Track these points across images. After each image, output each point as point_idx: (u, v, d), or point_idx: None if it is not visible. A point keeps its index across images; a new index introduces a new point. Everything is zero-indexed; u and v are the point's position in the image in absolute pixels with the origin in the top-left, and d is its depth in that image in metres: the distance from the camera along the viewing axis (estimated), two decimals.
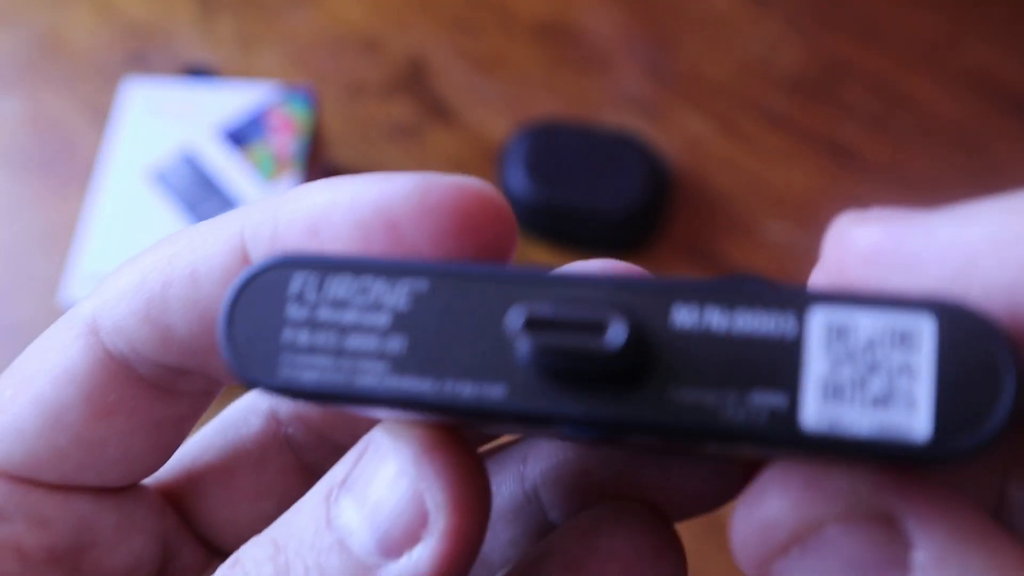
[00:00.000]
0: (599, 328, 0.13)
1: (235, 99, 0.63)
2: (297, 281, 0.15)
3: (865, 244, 0.14)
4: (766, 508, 0.14)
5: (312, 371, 0.15)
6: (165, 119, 0.62)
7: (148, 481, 0.22)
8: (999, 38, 0.74)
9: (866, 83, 0.73)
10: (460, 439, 0.17)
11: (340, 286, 0.15)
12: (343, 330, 0.15)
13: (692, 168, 0.69)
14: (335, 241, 0.17)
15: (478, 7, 0.76)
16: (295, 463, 0.22)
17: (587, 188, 0.64)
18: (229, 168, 0.61)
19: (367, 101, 0.72)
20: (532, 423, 0.15)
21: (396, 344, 0.15)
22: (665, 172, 0.66)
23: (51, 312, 0.60)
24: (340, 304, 0.15)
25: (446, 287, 0.15)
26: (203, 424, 0.23)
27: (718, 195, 0.68)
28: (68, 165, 0.68)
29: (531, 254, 0.65)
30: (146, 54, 0.74)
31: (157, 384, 0.20)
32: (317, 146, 0.64)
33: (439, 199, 0.16)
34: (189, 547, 0.22)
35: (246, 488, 0.22)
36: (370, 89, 0.72)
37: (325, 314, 0.15)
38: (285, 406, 0.23)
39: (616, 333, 0.13)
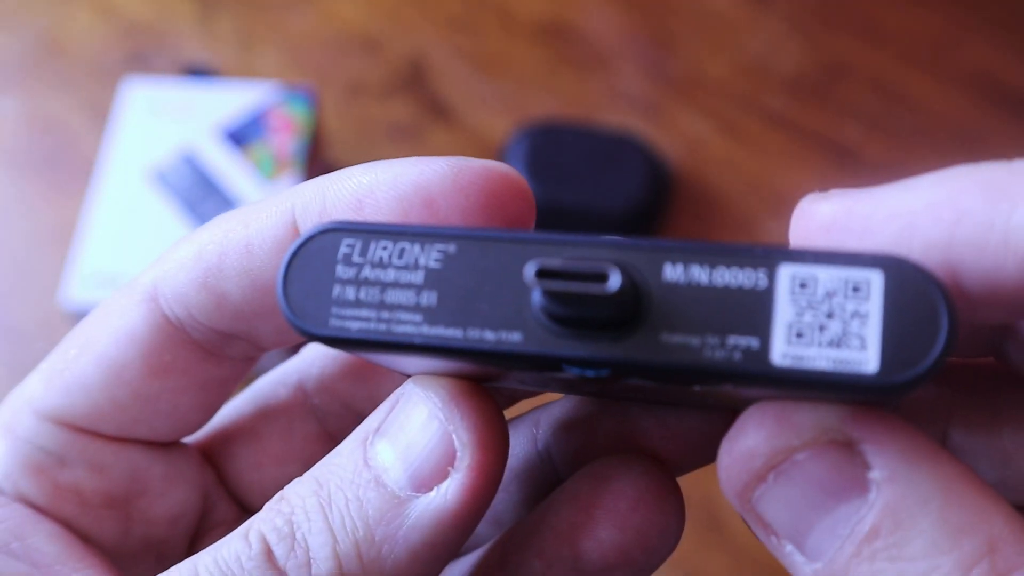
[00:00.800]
0: (601, 277, 0.15)
1: (235, 99, 0.63)
2: (345, 245, 0.18)
3: (824, 216, 0.17)
4: (744, 441, 0.17)
5: (357, 322, 0.17)
6: (165, 119, 0.62)
7: (190, 440, 0.25)
8: (999, 38, 0.74)
9: (866, 83, 0.73)
10: (483, 390, 0.19)
11: (381, 249, 0.17)
12: (384, 287, 0.17)
13: (692, 168, 0.69)
14: (377, 214, 0.19)
15: (478, 7, 0.76)
16: (319, 431, 0.24)
17: (587, 188, 0.64)
18: (229, 168, 0.61)
19: (367, 101, 0.72)
20: (544, 365, 0.17)
21: (429, 298, 0.17)
22: (665, 172, 0.66)
23: (51, 312, 0.60)
24: (381, 264, 0.17)
25: (471, 249, 0.17)
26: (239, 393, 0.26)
27: (718, 195, 0.68)
28: (68, 165, 0.68)
29: None
30: (146, 54, 0.74)
31: (207, 348, 0.22)
32: (317, 146, 0.64)
33: (470, 179, 0.18)
34: (225, 502, 0.25)
35: (274, 452, 0.25)
36: (370, 89, 0.72)
37: (368, 273, 0.17)
38: (313, 378, 0.25)
39: (614, 281, 0.15)
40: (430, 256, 0.17)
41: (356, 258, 0.17)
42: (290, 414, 0.25)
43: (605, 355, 0.16)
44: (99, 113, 0.68)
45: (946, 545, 0.15)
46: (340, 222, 0.18)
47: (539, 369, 0.17)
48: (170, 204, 0.60)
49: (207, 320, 0.21)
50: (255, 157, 0.61)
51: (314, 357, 0.26)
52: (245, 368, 0.23)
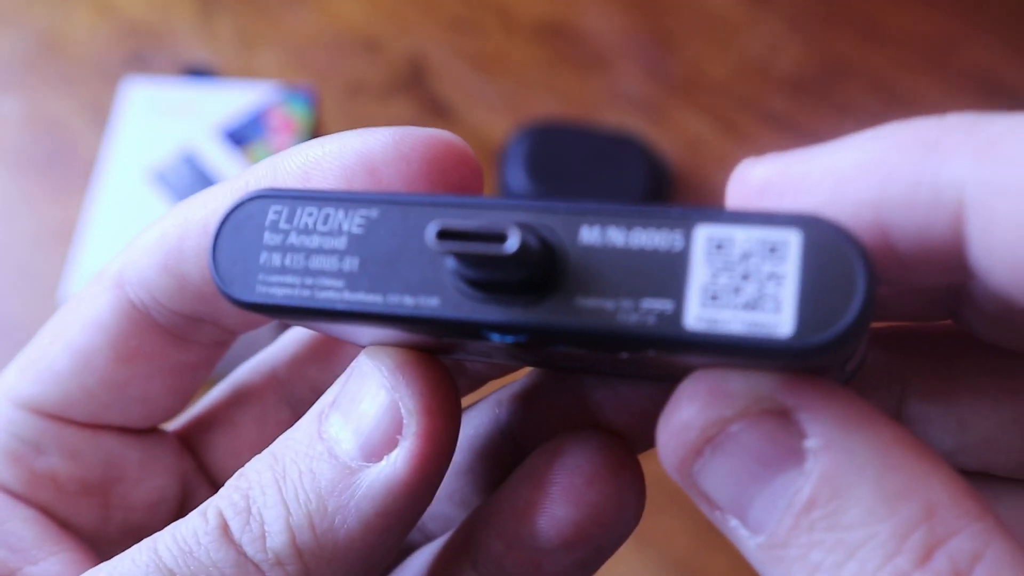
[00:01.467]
0: (499, 237, 0.15)
1: (235, 99, 0.63)
2: (272, 212, 0.18)
3: (758, 178, 0.17)
4: (679, 414, 0.16)
5: (283, 288, 0.17)
6: (165, 119, 0.63)
7: (170, 428, 0.25)
8: (999, 38, 0.74)
9: (866, 83, 0.73)
10: (433, 359, 0.19)
11: (307, 215, 0.17)
12: (309, 253, 0.17)
13: (692, 168, 0.69)
14: (323, 184, 0.19)
15: (478, 7, 0.76)
16: (292, 417, 0.24)
17: (587, 188, 0.64)
18: (229, 168, 0.61)
19: (367, 101, 0.72)
20: (463, 331, 0.17)
21: (351, 264, 0.17)
22: (665, 172, 0.66)
23: (52, 311, 0.59)
24: (307, 231, 0.17)
25: (392, 213, 0.17)
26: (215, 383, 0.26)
27: (718, 195, 0.68)
28: (68, 165, 0.68)
29: None
30: (146, 54, 0.74)
31: (174, 332, 0.22)
32: None
33: (411, 146, 0.19)
34: (205, 489, 0.25)
35: (249, 439, 0.25)
36: (370, 89, 0.72)
37: (295, 239, 0.17)
38: (284, 364, 0.25)
39: (512, 241, 0.15)
40: (353, 222, 0.17)
41: (283, 225, 0.17)
42: (264, 401, 0.25)
43: (520, 319, 0.16)
44: (99, 113, 0.68)
45: (883, 512, 0.15)
46: (267, 189, 0.18)
47: (459, 335, 0.17)
48: (170, 204, 0.60)
49: (171, 303, 0.21)
50: (255, 157, 0.61)
51: (287, 343, 0.26)
52: (216, 353, 0.24)
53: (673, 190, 0.67)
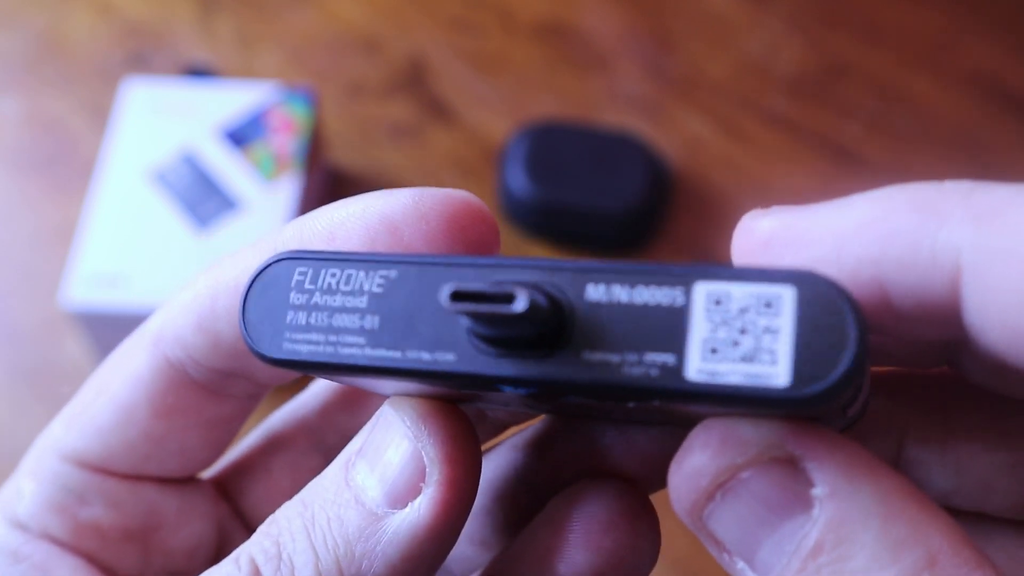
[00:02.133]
0: (508, 298, 0.16)
1: (235, 99, 0.63)
2: (298, 273, 0.19)
3: (763, 232, 0.18)
4: (691, 460, 0.17)
5: (308, 345, 0.18)
6: (165, 119, 0.62)
7: (205, 475, 0.26)
8: (999, 38, 0.74)
9: (866, 83, 0.73)
10: (454, 408, 0.20)
11: (330, 276, 0.18)
12: (332, 311, 0.18)
13: (692, 168, 0.69)
14: (348, 245, 0.20)
15: (478, 7, 0.76)
16: (323, 463, 0.25)
17: (587, 188, 0.64)
18: (229, 168, 0.61)
19: (367, 101, 0.72)
20: (478, 384, 0.17)
21: (372, 322, 0.18)
22: (665, 172, 0.66)
23: (51, 312, 0.60)
24: (330, 291, 0.18)
25: (410, 273, 0.18)
26: (250, 430, 0.27)
27: (718, 195, 0.68)
28: (68, 165, 0.68)
29: (531, 253, 0.65)
30: (146, 54, 0.74)
31: (209, 387, 0.23)
32: (317, 146, 0.64)
33: (431, 206, 0.19)
34: (240, 533, 0.26)
35: (282, 486, 0.26)
36: (370, 89, 0.72)
37: (319, 299, 0.18)
38: (315, 412, 0.27)
39: (520, 302, 0.15)
40: (373, 282, 0.18)
41: (307, 285, 0.18)
42: (296, 449, 0.27)
43: (531, 373, 0.17)
44: (99, 113, 0.68)
45: (887, 559, 0.15)
46: (292, 252, 0.19)
47: (475, 388, 0.18)
48: (170, 204, 0.60)
49: (205, 360, 0.22)
50: (255, 157, 0.61)
51: (317, 391, 0.27)
52: (249, 406, 0.25)
53: (673, 190, 0.67)
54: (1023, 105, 0.71)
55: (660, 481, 0.22)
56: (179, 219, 0.59)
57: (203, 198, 0.60)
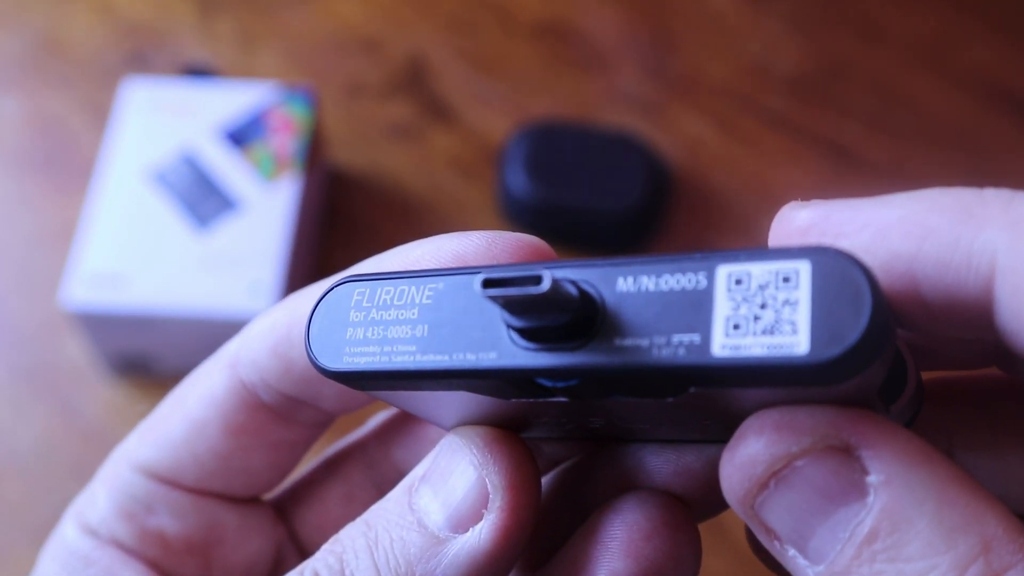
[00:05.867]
0: (535, 280, 0.17)
1: (235, 99, 0.63)
2: (357, 293, 0.20)
3: (802, 221, 0.18)
4: (745, 448, 0.17)
5: (364, 357, 0.20)
6: (165, 119, 0.62)
7: (267, 498, 0.28)
8: (999, 38, 0.74)
9: (866, 83, 0.73)
10: (516, 438, 0.21)
11: (385, 293, 0.20)
12: (387, 325, 0.20)
13: (692, 168, 0.69)
14: None
15: (477, 7, 0.76)
16: (376, 496, 0.26)
17: (587, 188, 0.64)
18: (229, 168, 0.61)
19: (367, 101, 0.72)
20: (520, 380, 0.19)
21: (422, 330, 0.19)
22: (665, 172, 0.66)
23: (52, 312, 0.60)
24: (385, 307, 0.20)
25: (456, 285, 0.19)
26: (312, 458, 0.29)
27: (718, 195, 0.68)
28: (68, 165, 0.68)
29: None
30: (146, 54, 0.74)
31: (278, 412, 0.25)
32: (317, 146, 0.64)
33: (502, 248, 0.21)
34: (295, 556, 0.27)
35: (334, 514, 0.28)
36: (370, 89, 0.72)
37: (375, 315, 0.20)
38: (372, 446, 0.28)
39: (546, 282, 0.16)
40: (423, 295, 0.19)
41: (365, 303, 0.20)
42: (351, 479, 0.28)
43: (567, 362, 0.18)
44: (99, 113, 0.68)
45: (942, 545, 0.16)
46: (352, 275, 0.21)
47: (518, 386, 0.19)
48: (170, 204, 0.60)
49: (277, 385, 0.24)
50: (255, 157, 0.61)
51: (375, 425, 0.28)
52: (314, 434, 0.26)
53: (672, 190, 0.67)
54: (1023, 105, 0.71)
55: (704, 502, 0.22)
56: (179, 219, 0.59)
57: (203, 198, 0.60)
